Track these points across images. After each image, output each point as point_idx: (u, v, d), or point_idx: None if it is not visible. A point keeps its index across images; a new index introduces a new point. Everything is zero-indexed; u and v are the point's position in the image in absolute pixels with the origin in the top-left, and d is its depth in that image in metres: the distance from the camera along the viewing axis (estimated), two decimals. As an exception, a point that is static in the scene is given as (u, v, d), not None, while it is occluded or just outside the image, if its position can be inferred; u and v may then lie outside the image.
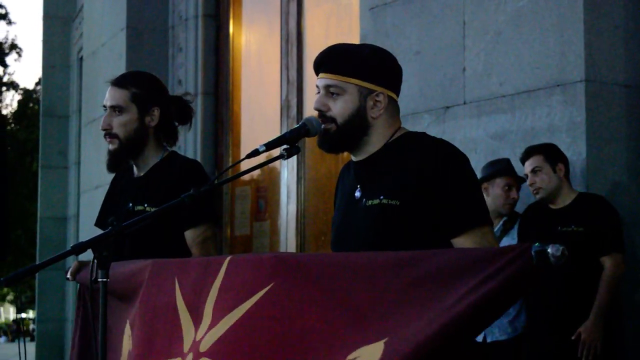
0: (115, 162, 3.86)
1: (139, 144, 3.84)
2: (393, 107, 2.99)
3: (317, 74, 3.00)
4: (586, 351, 4.98)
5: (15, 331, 44.95)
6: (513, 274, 2.17)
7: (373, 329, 2.31)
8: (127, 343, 3.15)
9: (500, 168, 5.47)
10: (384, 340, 2.27)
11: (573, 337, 5.03)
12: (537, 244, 5.06)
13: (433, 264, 2.34)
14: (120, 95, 3.82)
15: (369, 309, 2.36)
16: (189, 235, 3.71)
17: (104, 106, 3.86)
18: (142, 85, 3.87)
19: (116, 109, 3.81)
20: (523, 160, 5.31)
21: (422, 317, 2.23)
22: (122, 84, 3.85)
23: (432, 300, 2.25)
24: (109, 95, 3.84)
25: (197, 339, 2.68)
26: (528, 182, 5.32)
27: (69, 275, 3.75)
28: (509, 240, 5.51)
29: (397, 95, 3.01)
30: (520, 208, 5.60)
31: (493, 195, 5.50)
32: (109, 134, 3.81)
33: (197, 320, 2.73)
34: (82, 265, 3.72)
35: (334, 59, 2.95)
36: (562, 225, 5.18)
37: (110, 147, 3.83)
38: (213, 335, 2.60)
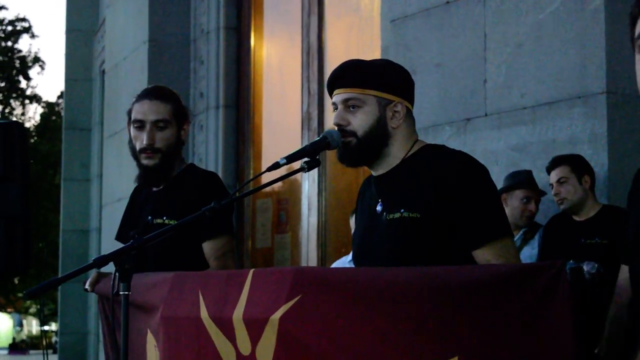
0: (152, 177, 3.81)
1: (175, 159, 3.83)
2: (410, 119, 3.00)
3: (331, 92, 3.00)
4: (609, 364, 4.95)
5: None
6: (550, 292, 2.18)
7: (436, 346, 2.30)
8: (152, 352, 3.15)
9: (520, 180, 5.45)
10: (456, 358, 2.27)
11: (596, 351, 5.00)
12: (571, 261, 5.04)
13: (468, 279, 2.33)
14: (164, 109, 3.77)
15: (418, 324, 2.34)
16: (208, 247, 3.70)
17: (140, 120, 3.77)
18: (178, 99, 3.86)
19: (160, 123, 3.76)
20: (549, 170, 5.29)
21: (489, 338, 2.25)
22: (163, 98, 3.80)
23: (489, 319, 2.26)
24: (150, 109, 3.76)
25: (245, 353, 2.66)
26: (553, 192, 5.29)
27: (87, 286, 3.73)
28: (529, 250, 5.49)
29: (412, 107, 3.02)
30: (541, 220, 5.58)
31: (511, 206, 5.48)
32: (151, 148, 3.75)
33: (229, 333, 2.72)
34: (100, 276, 3.71)
35: (351, 73, 2.95)
36: (586, 237, 5.15)
37: (149, 162, 3.76)
38: (267, 350, 2.58)
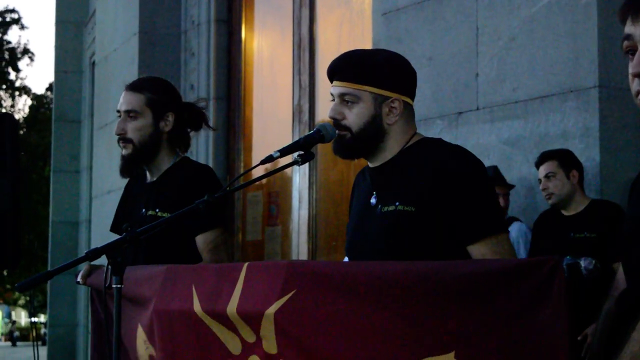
0: (129, 167, 3.84)
1: (153, 150, 3.83)
2: (408, 113, 2.96)
3: (331, 81, 2.98)
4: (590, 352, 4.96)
5: None
6: (546, 287, 2.18)
7: (433, 340, 2.30)
8: (142, 347, 3.14)
9: None
10: (453, 353, 2.27)
11: (579, 338, 5.01)
12: (568, 257, 5.04)
13: (463, 273, 2.32)
14: (135, 100, 3.80)
15: (415, 318, 2.34)
16: (201, 240, 3.69)
17: (118, 111, 3.84)
18: (156, 90, 3.87)
19: (131, 113, 3.79)
20: (537, 165, 5.31)
21: (486, 333, 2.25)
22: (137, 89, 3.83)
23: (485, 314, 2.26)
24: (124, 100, 3.82)
25: (251, 341, 2.65)
26: (541, 187, 5.32)
27: (79, 279, 3.72)
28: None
29: (412, 100, 2.99)
30: (531, 215, 5.58)
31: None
32: (123, 139, 3.79)
33: (229, 325, 2.71)
34: (93, 269, 3.70)
35: (349, 67, 2.92)
36: (575, 231, 5.17)
37: (124, 152, 3.81)
38: (270, 339, 2.58)
